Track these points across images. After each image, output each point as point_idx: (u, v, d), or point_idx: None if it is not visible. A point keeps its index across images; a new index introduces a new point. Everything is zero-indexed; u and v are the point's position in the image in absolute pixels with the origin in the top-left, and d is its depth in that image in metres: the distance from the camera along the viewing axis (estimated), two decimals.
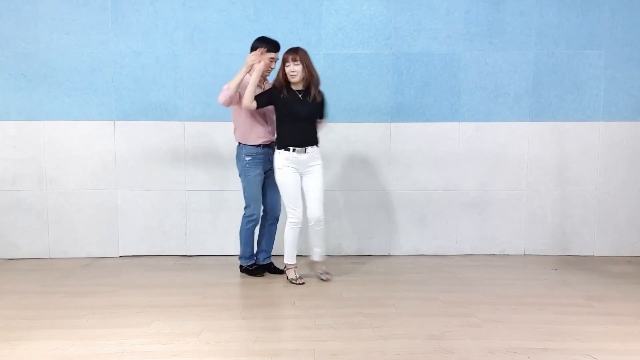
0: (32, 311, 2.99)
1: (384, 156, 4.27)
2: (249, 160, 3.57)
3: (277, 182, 3.51)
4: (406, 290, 3.39)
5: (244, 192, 3.66)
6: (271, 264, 3.80)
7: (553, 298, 3.22)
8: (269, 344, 2.49)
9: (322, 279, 3.61)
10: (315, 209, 3.52)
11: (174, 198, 4.28)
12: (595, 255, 4.37)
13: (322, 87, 3.54)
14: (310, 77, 3.40)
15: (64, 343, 2.51)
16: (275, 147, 3.52)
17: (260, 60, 3.39)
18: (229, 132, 4.22)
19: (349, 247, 4.32)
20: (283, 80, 3.41)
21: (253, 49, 3.49)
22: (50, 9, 4.09)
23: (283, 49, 4.23)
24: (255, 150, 3.57)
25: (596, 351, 2.42)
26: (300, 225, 3.53)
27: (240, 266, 3.77)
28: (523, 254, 4.38)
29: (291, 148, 3.42)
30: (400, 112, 4.24)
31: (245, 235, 3.70)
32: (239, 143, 3.61)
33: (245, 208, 3.68)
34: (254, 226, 3.69)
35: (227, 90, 3.38)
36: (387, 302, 3.13)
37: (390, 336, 2.59)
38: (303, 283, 3.53)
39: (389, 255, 4.34)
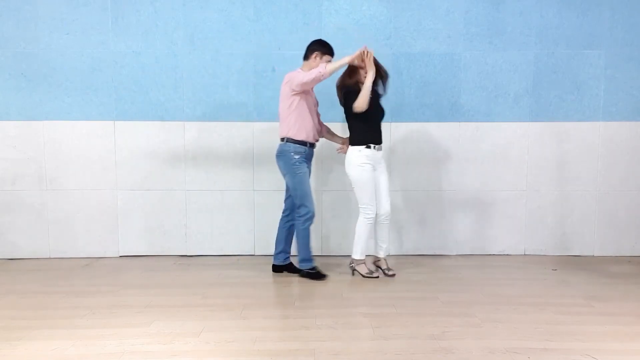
0: (32, 311, 2.99)
1: (383, 156, 4.26)
2: (298, 158, 3.53)
3: (356, 179, 3.53)
4: (406, 290, 3.38)
5: (296, 191, 3.56)
6: (291, 263, 3.80)
7: (553, 298, 3.22)
8: (269, 344, 2.49)
9: (387, 275, 3.69)
10: (386, 204, 3.65)
11: (174, 198, 4.28)
12: (595, 255, 4.37)
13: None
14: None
15: (64, 343, 2.51)
16: (351, 144, 3.57)
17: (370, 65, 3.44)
18: (229, 132, 4.24)
19: (350, 247, 4.30)
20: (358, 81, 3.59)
21: (311, 50, 3.55)
22: (50, 9, 4.09)
23: (283, 49, 4.24)
24: (302, 148, 3.55)
25: (596, 351, 2.41)
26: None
27: (300, 270, 3.69)
28: (523, 254, 4.38)
29: (372, 145, 3.56)
30: (400, 112, 4.25)
31: (304, 236, 3.61)
32: (286, 140, 3.55)
33: (299, 208, 3.58)
34: (311, 224, 3.61)
35: (322, 74, 3.37)
36: (387, 302, 3.12)
37: (390, 336, 2.59)
38: (377, 277, 3.64)
39: (389, 255, 4.33)
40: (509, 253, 4.38)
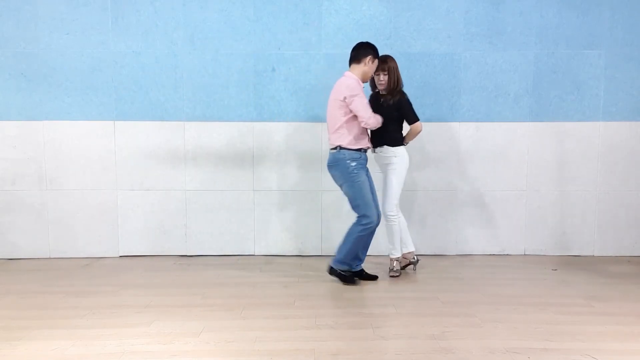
0: (32, 311, 2.99)
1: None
2: (355, 165, 3.41)
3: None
4: (406, 290, 3.39)
5: (356, 200, 3.43)
6: (362, 270, 3.61)
7: (553, 298, 3.22)
8: (269, 344, 2.49)
9: (389, 275, 3.70)
10: (382, 206, 3.64)
11: (174, 198, 4.28)
12: (595, 255, 4.37)
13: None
14: (394, 85, 3.58)
15: (64, 343, 2.51)
16: (395, 145, 3.61)
17: None
18: (229, 132, 4.24)
19: None
20: (372, 85, 3.70)
21: (365, 54, 3.42)
22: (50, 9, 4.09)
23: (283, 49, 4.24)
24: (358, 154, 3.44)
25: (596, 351, 2.41)
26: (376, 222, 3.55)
27: (331, 268, 3.55)
28: (523, 254, 4.38)
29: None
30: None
31: (356, 243, 3.45)
32: (340, 148, 3.41)
33: (360, 217, 3.44)
34: (372, 234, 3.48)
35: (373, 126, 3.43)
36: (387, 302, 3.13)
37: (390, 336, 2.59)
38: (395, 275, 3.70)
39: (389, 255, 4.33)
40: (509, 253, 4.38)
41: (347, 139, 3.41)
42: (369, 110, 3.38)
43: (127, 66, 4.16)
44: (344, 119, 3.39)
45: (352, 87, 3.35)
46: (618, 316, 2.90)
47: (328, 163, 3.52)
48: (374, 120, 3.40)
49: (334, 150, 3.46)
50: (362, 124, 3.39)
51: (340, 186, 3.51)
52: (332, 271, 3.57)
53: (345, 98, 3.35)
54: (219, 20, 4.15)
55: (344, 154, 3.41)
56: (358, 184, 3.41)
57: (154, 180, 4.26)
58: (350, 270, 3.55)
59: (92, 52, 4.15)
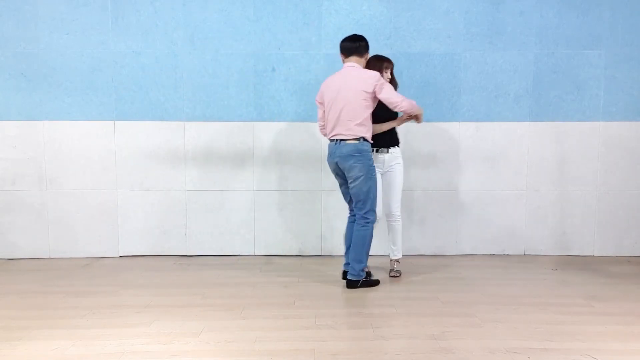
0: (32, 311, 2.99)
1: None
2: (373, 159, 3.36)
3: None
4: (406, 290, 3.38)
5: (369, 194, 3.31)
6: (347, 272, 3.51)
7: (553, 298, 3.22)
8: (269, 344, 2.49)
9: (389, 276, 3.70)
10: (392, 206, 3.65)
11: (174, 198, 4.28)
12: (595, 255, 4.37)
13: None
14: (395, 85, 3.62)
15: (64, 343, 2.51)
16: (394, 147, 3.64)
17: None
18: (229, 132, 4.24)
19: None
20: None
21: (367, 49, 3.38)
22: (50, 9, 4.09)
23: (283, 49, 4.24)
24: (371, 149, 3.41)
25: (596, 351, 2.41)
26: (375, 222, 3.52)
27: (353, 282, 3.38)
28: (523, 254, 4.38)
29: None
30: (399, 112, 4.23)
31: (370, 242, 3.40)
32: (362, 140, 3.29)
33: (367, 212, 3.34)
34: None
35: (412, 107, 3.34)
36: (387, 302, 3.13)
37: (390, 336, 2.59)
38: (395, 276, 3.70)
39: (389, 255, 4.33)
40: (509, 253, 4.38)
41: (369, 132, 3.34)
42: (399, 94, 3.31)
43: (127, 66, 4.16)
44: (369, 111, 3.31)
45: (377, 76, 3.26)
46: (618, 316, 2.90)
47: (346, 154, 3.28)
48: (408, 103, 3.27)
49: (355, 141, 3.27)
50: (396, 109, 3.29)
51: (355, 179, 3.29)
52: (353, 284, 3.40)
53: (375, 86, 3.23)
54: (219, 20, 4.16)
55: (367, 146, 3.32)
56: (375, 177, 3.37)
57: (154, 180, 4.26)
58: (368, 273, 3.49)
59: (92, 52, 4.15)
